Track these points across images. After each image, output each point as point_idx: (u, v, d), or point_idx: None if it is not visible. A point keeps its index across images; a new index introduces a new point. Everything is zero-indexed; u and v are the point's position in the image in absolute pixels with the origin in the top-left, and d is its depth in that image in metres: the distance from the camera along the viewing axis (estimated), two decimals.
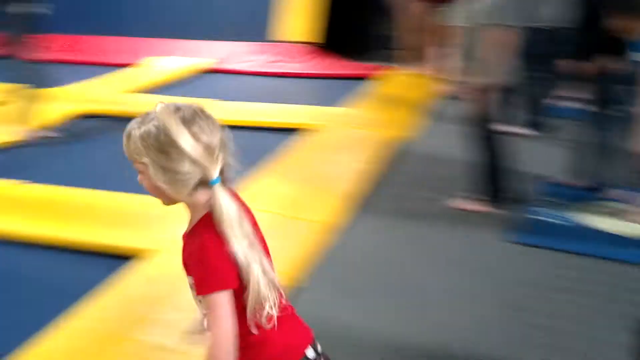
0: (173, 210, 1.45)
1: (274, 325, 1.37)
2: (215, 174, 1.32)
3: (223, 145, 1.34)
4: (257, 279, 1.33)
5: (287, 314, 1.43)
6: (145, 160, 1.32)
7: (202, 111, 1.35)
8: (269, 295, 1.35)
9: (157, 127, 1.30)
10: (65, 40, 8.31)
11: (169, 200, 1.39)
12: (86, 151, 4.97)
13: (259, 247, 1.37)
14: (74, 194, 3.94)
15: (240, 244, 1.32)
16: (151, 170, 1.32)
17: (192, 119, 1.32)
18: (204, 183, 1.33)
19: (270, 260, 1.41)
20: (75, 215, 3.63)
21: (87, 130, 5.41)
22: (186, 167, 1.30)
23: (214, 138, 1.32)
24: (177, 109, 1.33)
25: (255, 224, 1.42)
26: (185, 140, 1.29)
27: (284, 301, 1.42)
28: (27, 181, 4.08)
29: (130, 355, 2.45)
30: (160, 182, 1.33)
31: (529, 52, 4.14)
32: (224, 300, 1.31)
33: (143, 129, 1.32)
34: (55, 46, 7.04)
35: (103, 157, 4.67)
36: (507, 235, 3.43)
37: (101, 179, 4.20)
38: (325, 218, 3.58)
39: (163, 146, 1.30)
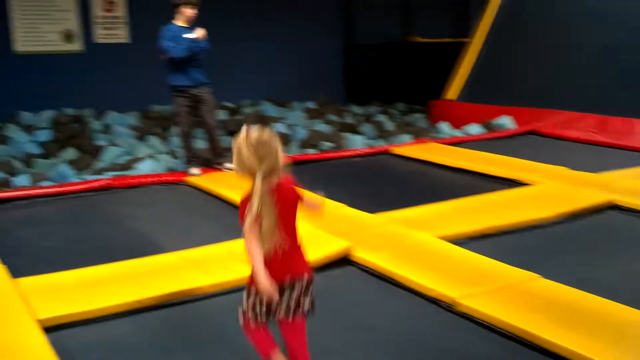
0: None
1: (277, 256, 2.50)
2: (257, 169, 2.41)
3: (264, 157, 2.41)
4: (265, 225, 2.43)
5: (285, 254, 2.52)
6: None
7: (260, 136, 2.44)
8: (270, 237, 2.46)
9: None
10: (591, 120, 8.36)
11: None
12: None
13: (273, 209, 2.45)
14: None
15: (256, 204, 2.39)
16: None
17: (255, 143, 2.42)
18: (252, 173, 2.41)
19: (288, 226, 2.55)
20: None
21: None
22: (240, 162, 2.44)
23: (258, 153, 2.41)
24: (248, 135, 2.43)
25: (288, 202, 2.56)
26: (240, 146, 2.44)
27: (284, 247, 2.51)
28: None
29: None
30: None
31: None
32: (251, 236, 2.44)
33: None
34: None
35: None
36: None
37: None
38: None
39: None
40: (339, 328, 3.41)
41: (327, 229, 4.64)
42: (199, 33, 6.14)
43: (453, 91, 10.30)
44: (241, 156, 2.42)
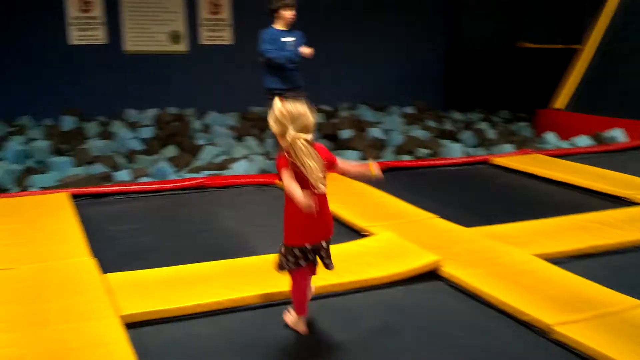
0: None
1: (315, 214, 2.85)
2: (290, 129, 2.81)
3: (296, 119, 2.81)
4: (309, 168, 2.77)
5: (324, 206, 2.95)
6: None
7: (295, 107, 2.85)
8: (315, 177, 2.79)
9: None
10: None
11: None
12: None
13: (316, 158, 2.82)
14: None
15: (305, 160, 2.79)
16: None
17: (294, 106, 2.85)
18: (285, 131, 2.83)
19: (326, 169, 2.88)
20: None
21: None
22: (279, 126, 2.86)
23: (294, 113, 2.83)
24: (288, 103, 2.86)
25: (324, 155, 2.93)
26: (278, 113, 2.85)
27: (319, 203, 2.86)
28: None
29: None
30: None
31: None
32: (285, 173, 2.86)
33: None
34: None
35: None
36: None
37: None
38: None
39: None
40: (424, 344, 3.27)
41: (416, 240, 4.46)
42: (305, 51, 6.13)
43: (561, 100, 9.79)
44: (278, 120, 2.85)
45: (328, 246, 3.10)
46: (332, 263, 3.16)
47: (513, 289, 3.73)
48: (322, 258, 3.12)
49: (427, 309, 3.69)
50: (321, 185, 2.82)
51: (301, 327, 3.24)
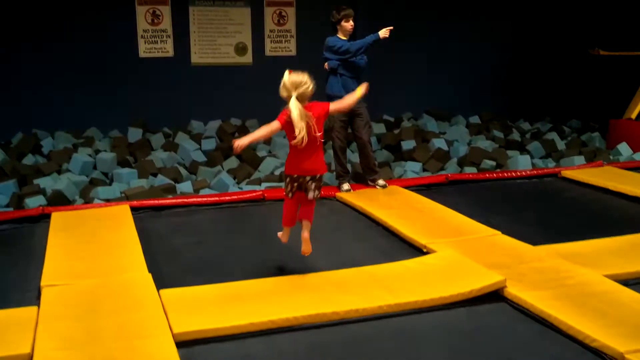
0: None
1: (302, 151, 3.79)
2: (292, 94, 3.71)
3: (297, 86, 3.70)
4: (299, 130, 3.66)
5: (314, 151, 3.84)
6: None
7: (301, 73, 3.78)
8: (300, 131, 3.66)
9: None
10: None
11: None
12: None
13: (309, 120, 3.71)
14: None
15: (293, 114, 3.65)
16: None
17: (296, 75, 3.76)
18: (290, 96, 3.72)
19: (315, 132, 3.76)
20: None
21: None
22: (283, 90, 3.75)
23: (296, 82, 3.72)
24: (292, 73, 3.78)
25: (318, 116, 3.80)
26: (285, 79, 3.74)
27: (310, 148, 3.80)
28: None
29: None
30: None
31: None
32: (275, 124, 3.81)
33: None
34: None
35: None
36: None
37: None
38: None
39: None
40: None
41: (479, 259, 4.29)
42: (383, 34, 6.08)
43: (637, 110, 9.33)
44: (284, 85, 3.74)
45: (315, 181, 3.95)
46: (314, 194, 3.98)
47: (582, 312, 3.53)
48: (307, 189, 3.96)
49: (490, 333, 3.53)
50: (299, 134, 3.68)
51: (284, 237, 4.27)
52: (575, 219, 5.67)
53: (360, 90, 4.11)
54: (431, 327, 3.58)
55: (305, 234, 4.11)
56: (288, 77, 3.73)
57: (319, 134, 3.82)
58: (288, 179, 3.97)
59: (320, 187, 4.02)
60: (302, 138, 3.68)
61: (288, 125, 3.77)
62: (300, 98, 3.72)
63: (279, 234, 4.33)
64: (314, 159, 3.88)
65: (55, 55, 9.32)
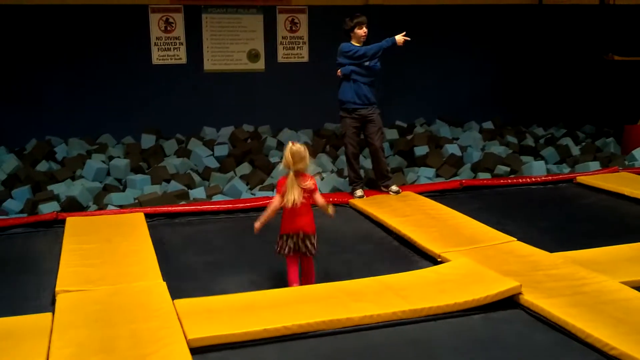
0: None
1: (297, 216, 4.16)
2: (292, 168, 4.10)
3: (297, 161, 4.07)
4: (289, 198, 4.08)
5: (301, 216, 4.17)
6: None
7: (298, 148, 4.11)
8: (292, 202, 4.10)
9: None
10: None
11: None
12: None
13: (297, 192, 4.11)
14: None
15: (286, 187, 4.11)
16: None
17: (297, 148, 4.11)
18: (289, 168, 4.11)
19: (304, 202, 4.16)
20: None
21: None
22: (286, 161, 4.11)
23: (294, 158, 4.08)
24: (294, 145, 4.15)
25: (308, 191, 4.18)
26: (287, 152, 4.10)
27: (301, 211, 4.15)
28: None
29: None
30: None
31: None
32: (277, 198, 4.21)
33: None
34: None
35: None
36: None
37: None
38: None
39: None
40: None
41: (494, 266, 4.25)
42: (400, 39, 6.12)
43: None
44: (286, 158, 4.11)
45: (306, 239, 4.21)
46: (310, 252, 4.23)
47: (599, 320, 3.48)
48: (305, 247, 4.23)
49: (506, 340, 3.49)
50: (289, 204, 4.13)
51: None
52: (592, 225, 5.61)
53: (330, 210, 4.34)
54: (446, 334, 3.54)
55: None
56: (290, 150, 4.11)
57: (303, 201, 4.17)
58: (280, 238, 4.25)
59: (314, 244, 4.26)
60: (293, 202, 4.11)
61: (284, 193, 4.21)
62: (296, 173, 4.15)
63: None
64: (303, 218, 4.21)
65: (69, 63, 9.39)
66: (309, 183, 4.17)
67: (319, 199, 4.29)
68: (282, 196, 4.16)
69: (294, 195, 4.11)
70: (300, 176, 4.15)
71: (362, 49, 6.09)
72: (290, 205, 4.11)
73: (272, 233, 5.31)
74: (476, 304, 3.78)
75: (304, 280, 4.27)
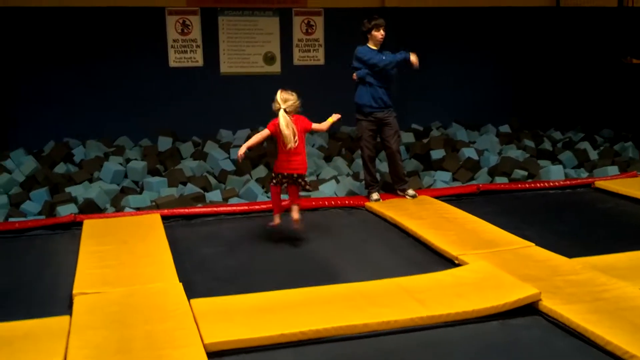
0: None
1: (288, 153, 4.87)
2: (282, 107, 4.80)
3: (285, 99, 4.80)
4: (288, 137, 4.76)
5: (296, 154, 4.88)
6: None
7: (290, 92, 4.87)
8: (289, 140, 4.77)
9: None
10: None
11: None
12: None
13: (293, 129, 4.78)
14: None
15: (281, 123, 4.74)
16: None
17: (285, 93, 4.85)
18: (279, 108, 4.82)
19: (299, 136, 4.86)
20: None
21: None
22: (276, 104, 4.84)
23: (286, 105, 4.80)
24: (283, 91, 4.88)
25: (301, 128, 4.89)
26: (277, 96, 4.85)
27: (296, 151, 4.87)
28: None
29: None
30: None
31: None
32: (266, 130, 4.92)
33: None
34: None
35: None
36: None
37: None
38: None
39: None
40: None
41: (512, 271, 4.21)
42: (414, 60, 6.09)
43: None
44: (276, 100, 4.72)
45: (299, 178, 4.94)
46: (305, 188, 5.04)
47: (619, 326, 3.44)
48: (300, 184, 4.99)
49: (525, 347, 3.46)
50: (289, 143, 4.72)
51: (275, 221, 5.14)
52: (611, 230, 5.55)
53: (334, 117, 5.20)
54: (464, 341, 3.52)
55: (295, 215, 5.10)
56: (279, 94, 4.78)
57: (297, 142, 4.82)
58: (278, 176, 4.95)
59: (307, 181, 5.04)
60: (293, 140, 4.70)
61: (277, 132, 4.79)
62: (287, 110, 4.72)
63: (269, 223, 5.17)
64: (295, 159, 4.86)
65: (87, 65, 9.45)
66: (303, 121, 4.84)
67: (320, 126, 5.03)
68: (273, 132, 4.75)
69: (291, 134, 4.68)
70: (291, 117, 4.75)
71: (374, 58, 6.05)
72: (291, 144, 4.70)
73: (286, 237, 5.34)
74: (494, 310, 3.75)
75: (290, 201, 5.09)
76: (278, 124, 4.73)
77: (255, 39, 10.23)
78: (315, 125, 5.02)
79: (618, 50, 11.16)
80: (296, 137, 4.76)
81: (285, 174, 4.93)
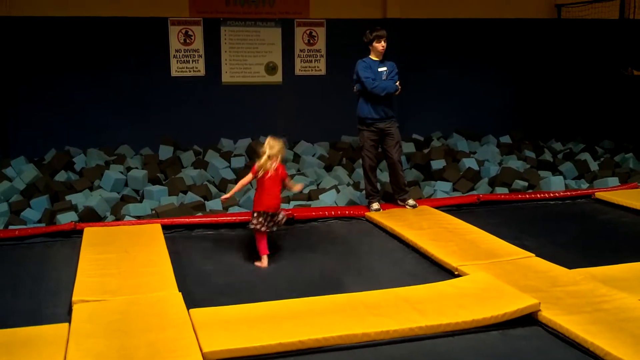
0: None
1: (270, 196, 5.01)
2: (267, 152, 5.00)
3: (271, 147, 4.99)
4: (265, 167, 4.97)
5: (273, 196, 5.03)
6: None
7: (274, 139, 5.04)
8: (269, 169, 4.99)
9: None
10: None
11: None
12: None
13: (271, 165, 4.98)
14: None
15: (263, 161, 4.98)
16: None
17: (273, 140, 5.04)
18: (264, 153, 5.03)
19: (278, 183, 5.06)
20: None
21: None
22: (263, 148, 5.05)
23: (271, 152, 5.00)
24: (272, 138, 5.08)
25: (279, 176, 5.05)
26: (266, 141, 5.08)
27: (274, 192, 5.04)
28: None
29: None
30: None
31: None
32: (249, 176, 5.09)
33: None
34: None
35: None
36: None
37: None
38: None
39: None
40: None
41: (512, 282, 4.21)
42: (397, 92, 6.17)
43: None
44: (264, 146, 4.96)
45: (276, 215, 5.01)
46: (280, 223, 5.09)
47: (619, 337, 3.43)
48: (273, 222, 5.00)
49: (523, 357, 3.45)
50: (267, 170, 4.93)
51: (263, 263, 4.96)
52: (611, 241, 5.55)
53: (298, 187, 5.54)
54: (464, 351, 3.51)
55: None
56: (268, 140, 5.04)
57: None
58: (257, 215, 4.95)
59: (281, 219, 5.11)
60: (270, 168, 4.93)
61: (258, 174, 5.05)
62: (270, 156, 4.97)
63: (257, 263, 4.97)
64: (272, 198, 4.99)
65: (89, 74, 9.49)
66: (281, 170, 5.03)
67: (288, 182, 5.21)
68: (254, 176, 4.99)
69: (268, 167, 4.92)
70: (274, 161, 4.99)
71: (367, 81, 6.03)
72: (267, 170, 4.92)
73: (286, 246, 5.33)
74: (494, 321, 3.74)
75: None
76: (259, 166, 4.95)
77: (257, 49, 10.28)
78: (287, 181, 5.19)
79: (619, 62, 11.18)
80: (274, 165, 4.96)
81: (263, 211, 4.94)
